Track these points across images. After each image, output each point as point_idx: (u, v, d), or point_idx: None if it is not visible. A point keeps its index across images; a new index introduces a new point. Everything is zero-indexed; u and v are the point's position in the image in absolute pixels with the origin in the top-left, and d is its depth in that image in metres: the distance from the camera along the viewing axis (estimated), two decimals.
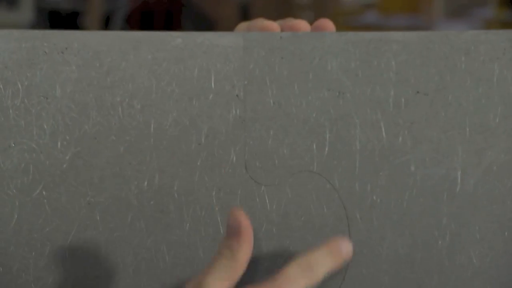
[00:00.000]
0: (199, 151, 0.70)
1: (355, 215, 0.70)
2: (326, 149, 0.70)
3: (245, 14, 4.66)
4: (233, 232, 0.63)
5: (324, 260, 0.64)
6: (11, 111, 0.69)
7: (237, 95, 0.70)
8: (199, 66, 0.70)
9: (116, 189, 0.69)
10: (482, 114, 0.70)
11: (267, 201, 0.70)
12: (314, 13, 4.28)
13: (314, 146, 0.70)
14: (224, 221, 0.69)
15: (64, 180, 0.69)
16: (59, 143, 0.69)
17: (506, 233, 0.70)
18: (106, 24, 4.83)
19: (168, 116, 0.70)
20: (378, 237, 0.70)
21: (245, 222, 0.63)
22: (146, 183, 0.70)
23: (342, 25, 4.04)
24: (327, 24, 0.74)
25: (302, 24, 0.74)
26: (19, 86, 0.69)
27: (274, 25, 0.74)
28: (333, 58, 0.70)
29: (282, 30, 0.74)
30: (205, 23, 4.73)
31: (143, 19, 4.93)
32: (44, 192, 0.69)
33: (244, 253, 0.63)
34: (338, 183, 0.70)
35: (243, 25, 0.76)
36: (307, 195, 0.70)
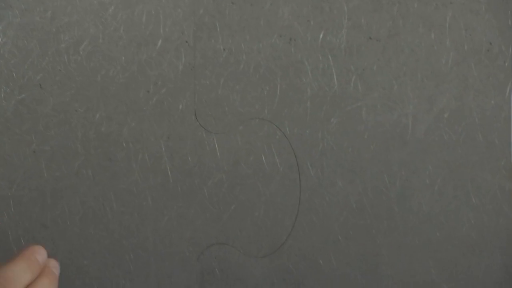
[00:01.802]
0: (147, 98, 0.68)
1: (305, 162, 0.69)
2: (277, 96, 0.69)
3: None
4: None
5: (22, 273, 0.62)
6: None
7: (186, 42, 0.69)
8: (147, 11, 0.69)
9: (62, 137, 0.68)
10: (434, 60, 0.69)
11: (217, 149, 0.69)
12: None
13: (265, 93, 0.69)
14: (174, 170, 0.68)
15: (8, 128, 0.67)
16: (1, 90, 0.67)
17: (455, 179, 0.70)
18: None
19: (115, 63, 0.68)
20: (329, 184, 0.70)
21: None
22: (93, 131, 0.68)
23: None
24: None
25: None
26: None
27: None
28: (284, 3, 0.69)
29: None
30: None
31: None
32: None
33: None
34: (289, 130, 0.69)
35: None
36: (258, 143, 0.69)
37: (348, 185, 0.70)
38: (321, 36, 0.69)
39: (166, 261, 0.69)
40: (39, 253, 0.63)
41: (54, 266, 0.64)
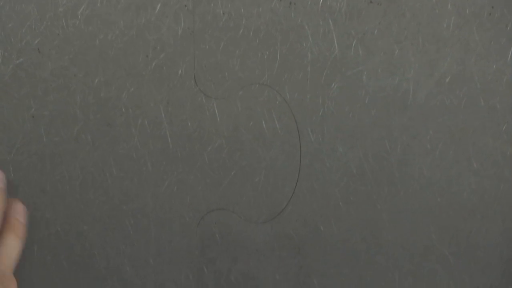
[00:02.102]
0: (146, 63, 0.68)
1: (306, 127, 0.69)
2: (277, 61, 0.69)
3: None
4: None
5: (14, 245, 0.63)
6: None
7: (185, 6, 0.68)
8: None
9: (60, 102, 0.67)
10: (436, 24, 0.69)
11: (217, 114, 0.69)
12: None
13: (265, 58, 0.69)
14: (173, 135, 0.68)
15: (6, 93, 0.67)
16: None
17: (457, 144, 0.69)
18: None
19: (114, 27, 0.68)
20: (329, 149, 0.69)
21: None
22: (92, 96, 0.68)
23: None
24: None
25: None
26: None
27: None
28: None
29: None
30: None
31: None
32: None
33: None
34: (289, 95, 0.69)
35: None
36: (258, 108, 0.69)
37: (349, 150, 0.69)
38: (321, 0, 0.69)
39: (166, 226, 0.69)
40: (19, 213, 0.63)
41: (18, 212, 0.64)
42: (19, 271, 0.67)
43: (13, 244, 0.63)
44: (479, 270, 0.70)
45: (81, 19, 0.67)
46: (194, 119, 0.68)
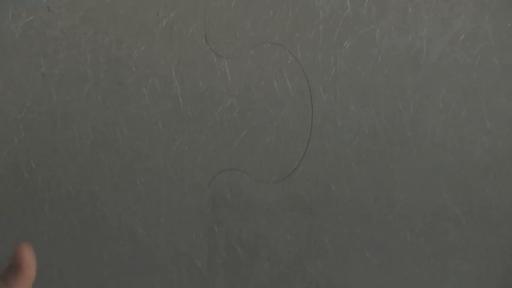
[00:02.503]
0: (157, 21, 0.67)
1: (318, 87, 0.68)
2: (289, 19, 0.68)
3: None
4: (14, 267, 0.58)
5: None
6: None
7: None
8: None
9: (71, 60, 0.67)
10: None
11: (228, 73, 0.68)
12: None
13: (277, 17, 0.68)
14: (184, 94, 0.68)
15: (16, 51, 0.66)
16: (9, 13, 0.66)
17: (470, 103, 0.69)
18: None
19: None
20: (341, 109, 0.69)
21: (29, 260, 0.59)
22: (102, 54, 0.67)
23: None
24: None
25: None
26: None
27: None
28: None
29: None
30: None
31: None
32: None
33: None
34: (301, 54, 0.68)
35: None
36: (269, 68, 0.68)
37: (361, 110, 0.69)
38: None
39: (177, 186, 0.68)
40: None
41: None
42: (31, 232, 0.67)
43: None
44: (491, 230, 0.70)
45: None
46: (205, 78, 0.68)
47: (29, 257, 0.56)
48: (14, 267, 0.56)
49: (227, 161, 0.69)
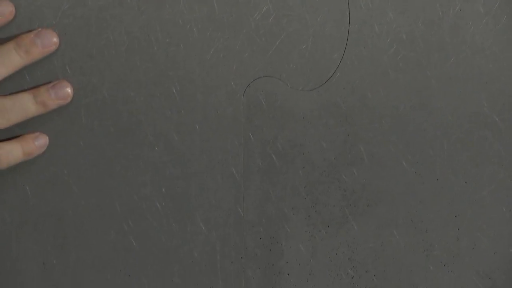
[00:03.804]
0: None
1: None
2: None
3: None
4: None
5: (15, 151, 0.63)
6: None
7: None
8: None
9: None
10: None
11: None
12: None
13: None
14: (219, 1, 0.67)
15: None
16: None
17: (511, 7, 0.67)
18: None
19: None
20: (379, 14, 0.68)
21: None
22: None
23: None
24: None
25: None
26: None
27: None
28: None
29: None
30: None
31: None
32: None
33: None
34: None
35: None
36: None
37: (399, 15, 0.68)
38: None
39: (212, 93, 0.68)
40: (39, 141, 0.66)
41: (39, 143, 0.65)
42: (67, 138, 0.67)
43: (14, 151, 0.64)
44: None
45: None
46: None
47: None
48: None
49: (263, 68, 0.68)
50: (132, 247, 0.69)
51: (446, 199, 0.69)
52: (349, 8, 0.67)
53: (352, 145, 0.69)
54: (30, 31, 0.64)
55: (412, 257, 0.70)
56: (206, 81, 0.68)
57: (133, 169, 0.68)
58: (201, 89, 0.68)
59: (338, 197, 0.70)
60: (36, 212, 0.67)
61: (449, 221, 0.69)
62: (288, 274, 0.70)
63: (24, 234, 0.67)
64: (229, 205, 0.69)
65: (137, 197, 0.69)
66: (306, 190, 0.69)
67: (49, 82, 0.65)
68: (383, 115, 0.69)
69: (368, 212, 0.70)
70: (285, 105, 0.69)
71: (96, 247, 0.68)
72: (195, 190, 0.69)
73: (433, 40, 0.68)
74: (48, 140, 0.66)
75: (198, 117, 0.68)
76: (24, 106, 0.63)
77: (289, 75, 0.68)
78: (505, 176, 0.70)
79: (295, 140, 0.69)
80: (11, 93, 0.64)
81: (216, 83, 0.68)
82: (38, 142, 0.65)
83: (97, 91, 0.67)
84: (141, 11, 0.67)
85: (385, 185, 0.69)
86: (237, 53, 0.68)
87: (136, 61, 0.67)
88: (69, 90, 0.65)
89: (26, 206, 0.67)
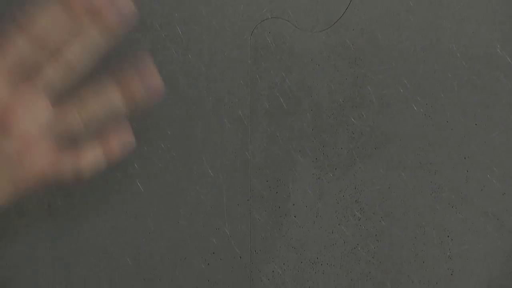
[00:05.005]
0: None
1: None
2: None
3: None
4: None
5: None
6: None
7: None
8: None
9: None
10: None
11: None
12: None
13: None
14: None
15: None
16: None
17: None
18: None
19: None
20: None
21: None
22: None
23: None
24: None
25: None
26: None
27: None
28: None
29: None
30: None
31: None
32: None
33: None
34: None
35: None
36: None
37: None
38: None
39: (219, 35, 0.67)
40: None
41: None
42: None
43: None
44: None
45: None
46: None
47: None
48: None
49: (270, 9, 0.67)
50: (137, 189, 0.68)
51: (456, 141, 0.69)
52: None
53: (361, 87, 0.68)
54: None
55: (420, 199, 0.70)
56: (212, 23, 0.67)
57: (138, 112, 0.67)
58: (207, 30, 0.67)
59: (346, 139, 0.69)
60: None
61: (458, 163, 0.69)
62: (295, 216, 0.70)
63: None
64: (236, 148, 0.69)
65: (142, 140, 0.68)
66: (314, 132, 0.69)
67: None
68: (393, 56, 0.68)
69: (376, 155, 0.69)
70: (293, 47, 0.68)
71: (101, 189, 0.68)
72: (201, 132, 0.68)
73: None
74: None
75: (205, 59, 0.67)
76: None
77: (297, 16, 0.67)
78: None
79: (303, 82, 0.68)
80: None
81: (222, 25, 0.67)
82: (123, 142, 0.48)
83: None
84: None
85: (394, 127, 0.69)
86: None
87: (143, 2, 0.66)
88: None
89: None
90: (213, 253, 0.69)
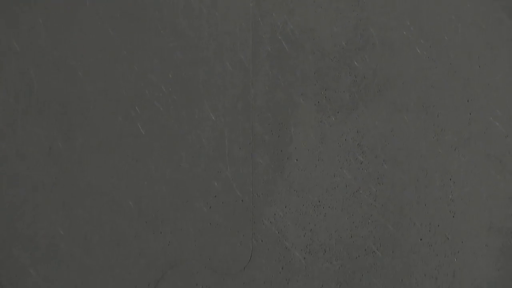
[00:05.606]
0: None
1: None
2: None
3: None
4: None
5: None
6: None
7: None
8: None
9: None
10: None
11: None
12: None
13: None
14: None
15: None
16: None
17: None
18: None
19: None
20: None
21: None
22: None
23: None
24: None
25: None
26: None
27: None
28: None
29: None
30: None
31: None
32: None
33: None
34: None
35: None
36: None
37: None
38: None
39: None
40: None
41: None
42: (70, 19, 0.65)
43: None
44: None
45: None
46: None
47: None
48: None
49: None
50: (139, 133, 0.68)
51: (459, 84, 0.68)
52: None
53: (364, 30, 0.68)
54: None
55: (422, 142, 0.69)
56: None
57: (139, 55, 0.67)
58: None
59: (348, 82, 0.69)
60: (41, 97, 0.67)
61: (461, 105, 0.69)
62: (297, 160, 0.70)
63: (29, 119, 0.67)
64: (238, 91, 0.68)
65: (143, 83, 0.67)
66: (316, 76, 0.68)
67: None
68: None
69: (378, 98, 0.69)
70: None
71: (102, 132, 0.68)
72: (202, 76, 0.68)
73: None
74: None
75: (206, 1, 0.66)
76: None
77: None
78: None
79: (305, 25, 0.67)
80: None
81: None
82: None
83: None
84: None
85: (397, 70, 0.68)
86: None
87: None
88: None
89: (30, 90, 0.66)
90: (215, 196, 0.69)
